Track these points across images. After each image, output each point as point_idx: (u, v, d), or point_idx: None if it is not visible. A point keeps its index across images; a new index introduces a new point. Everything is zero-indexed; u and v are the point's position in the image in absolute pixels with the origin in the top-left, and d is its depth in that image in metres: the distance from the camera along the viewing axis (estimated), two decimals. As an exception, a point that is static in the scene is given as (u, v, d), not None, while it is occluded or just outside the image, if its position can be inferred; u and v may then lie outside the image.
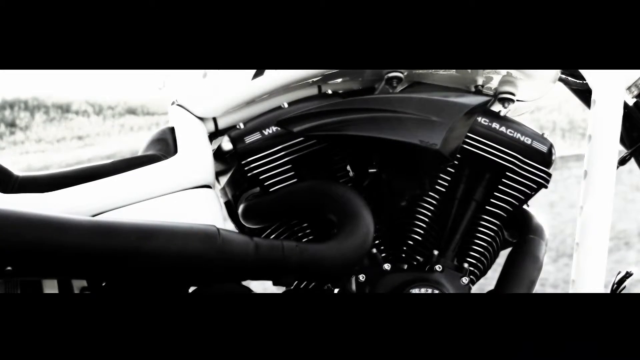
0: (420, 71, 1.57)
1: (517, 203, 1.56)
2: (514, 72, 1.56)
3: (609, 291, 1.55)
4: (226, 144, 1.54)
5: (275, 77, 1.54)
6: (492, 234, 1.57)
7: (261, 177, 1.52)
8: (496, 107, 1.60)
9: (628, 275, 1.54)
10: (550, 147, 1.56)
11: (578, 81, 1.66)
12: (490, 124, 1.54)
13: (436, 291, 1.47)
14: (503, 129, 1.54)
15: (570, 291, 1.55)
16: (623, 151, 1.64)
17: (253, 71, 1.54)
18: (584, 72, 1.62)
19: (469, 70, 1.57)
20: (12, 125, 14.28)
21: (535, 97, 1.65)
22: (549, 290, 1.53)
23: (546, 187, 1.56)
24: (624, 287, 1.53)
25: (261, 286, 1.53)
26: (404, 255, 1.53)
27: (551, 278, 1.46)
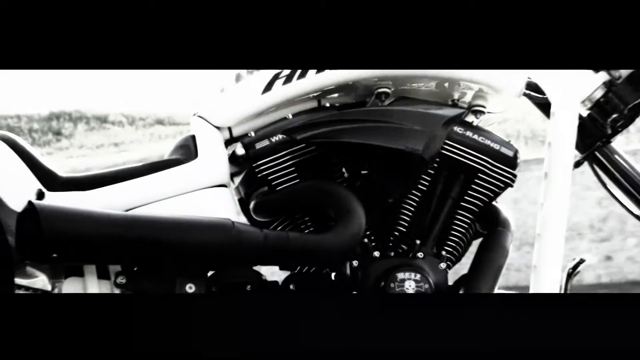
0: (405, 87, 1.57)
1: (487, 200, 1.56)
2: (484, 87, 1.56)
3: (565, 275, 1.54)
4: (239, 150, 1.54)
5: (280, 92, 1.53)
6: (466, 226, 1.56)
7: (269, 178, 1.52)
8: (469, 118, 1.59)
9: (581, 261, 1.53)
10: (516, 152, 1.56)
11: (539, 96, 1.65)
12: (464, 132, 1.53)
13: (418, 275, 1.47)
14: (475, 136, 1.54)
15: (532, 275, 1.55)
16: (578, 156, 1.63)
17: (263, 86, 1.53)
18: (544, 88, 1.61)
19: (446, 86, 1.57)
20: (58, 133, 14.28)
21: (502, 110, 1.64)
22: (513, 273, 1.52)
23: (512, 186, 1.56)
24: (578, 271, 1.52)
25: (269, 270, 1.52)
26: (390, 244, 1.53)
27: (515, 263, 1.46)
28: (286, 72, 1.53)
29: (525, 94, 1.62)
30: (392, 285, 1.46)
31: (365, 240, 1.50)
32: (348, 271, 1.50)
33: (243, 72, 1.61)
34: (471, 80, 1.55)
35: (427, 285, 1.47)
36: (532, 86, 1.63)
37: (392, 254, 1.52)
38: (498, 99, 1.60)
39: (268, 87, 1.53)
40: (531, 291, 1.53)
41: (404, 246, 1.53)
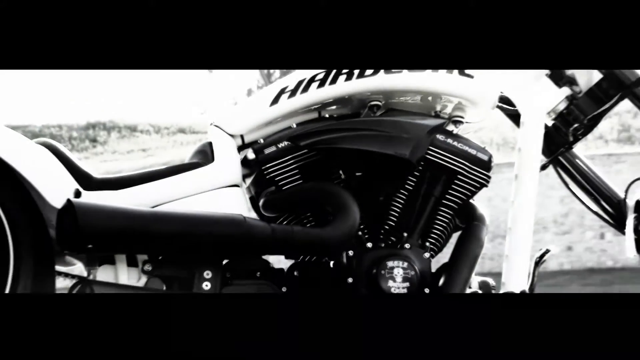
0: (394, 100, 1.56)
1: (465, 198, 1.55)
2: (463, 100, 1.55)
3: (533, 263, 1.53)
4: (250, 154, 1.53)
5: (286, 105, 1.53)
6: (447, 220, 1.55)
7: (276, 179, 1.51)
8: (450, 127, 1.58)
9: (547, 251, 1.53)
10: (490, 156, 1.55)
11: (510, 108, 1.64)
12: (445, 139, 1.53)
13: (406, 263, 1.46)
14: (455, 143, 1.53)
15: (504, 263, 1.54)
16: (544, 160, 1.62)
17: (271, 99, 1.53)
18: (515, 101, 1.61)
19: (430, 99, 1.56)
20: (94, 140, 14.29)
21: (478, 120, 1.64)
22: (487, 262, 1.52)
23: (486, 186, 1.55)
24: (544, 260, 1.52)
25: (276, 259, 1.51)
26: (381, 236, 1.52)
27: (489, 253, 1.46)
28: (291, 86, 1.52)
29: (498, 106, 1.62)
30: (382, 272, 1.46)
31: (360, 233, 1.49)
32: (344, 260, 1.49)
33: (254, 87, 1.61)
34: (451, 94, 1.54)
35: (413, 272, 1.46)
36: (504, 99, 1.63)
37: (383, 245, 1.51)
38: (475, 110, 1.59)
39: (275, 100, 1.53)
40: (503, 279, 1.52)
41: (393, 238, 1.52)
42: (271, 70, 18.77)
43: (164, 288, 1.42)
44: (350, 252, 1.49)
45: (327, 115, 1.59)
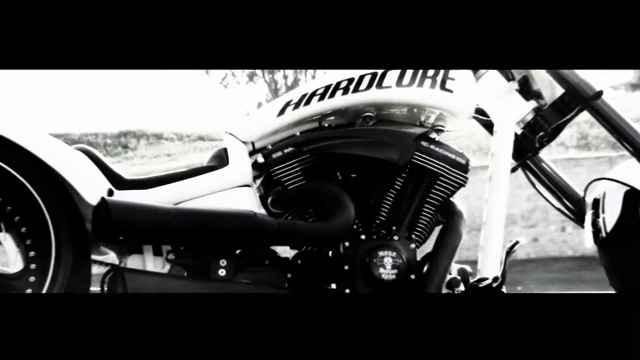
0: (384, 111, 1.56)
1: (445, 196, 1.54)
2: (444, 112, 1.55)
3: (504, 253, 1.52)
4: (260, 159, 1.53)
5: (291, 116, 1.52)
6: (430, 216, 1.55)
7: (282, 180, 1.50)
8: (433, 135, 1.58)
9: (517, 242, 1.52)
10: (467, 160, 1.54)
11: (484, 118, 1.64)
12: (429, 145, 1.52)
13: (394, 253, 1.46)
14: (437, 149, 1.52)
15: (479, 253, 1.53)
16: (513, 163, 1.62)
17: (277, 111, 1.52)
18: (489, 112, 1.61)
19: (415, 111, 1.56)
20: (125, 147, 14.31)
21: (456, 129, 1.63)
22: (464, 251, 1.51)
23: (464, 186, 1.55)
24: (515, 250, 1.51)
25: (282, 249, 1.51)
26: (373, 230, 1.51)
27: (466, 244, 1.45)
28: (295, 100, 1.52)
29: (474, 117, 1.62)
30: (374, 260, 1.45)
31: (355, 227, 1.49)
32: (342, 250, 1.49)
33: (263, 100, 1.61)
34: (434, 107, 1.54)
35: (400, 261, 1.46)
36: (479, 111, 1.62)
37: (375, 237, 1.50)
38: (454, 121, 1.58)
39: (281, 111, 1.52)
40: (478, 266, 1.52)
41: (383, 231, 1.51)
42: (278, 85, 18.79)
43: (185, 274, 1.42)
44: (347, 243, 1.49)
45: (326, 125, 1.59)
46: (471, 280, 1.49)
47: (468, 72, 1.55)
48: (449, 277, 1.49)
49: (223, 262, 1.42)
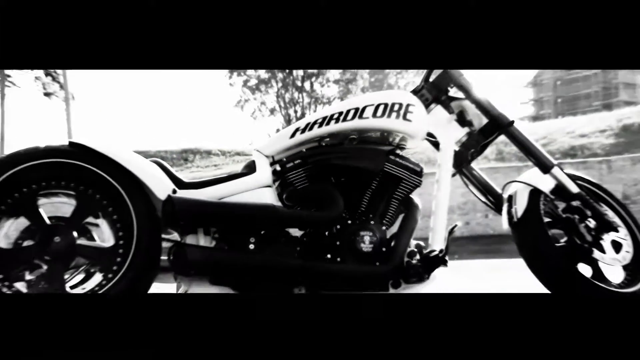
0: (364, 135, 1.54)
1: (406, 193, 1.54)
2: (405, 135, 1.54)
3: (447, 233, 1.51)
4: (277, 168, 1.52)
5: (299, 137, 1.51)
6: (396, 207, 1.54)
7: (293, 182, 1.50)
8: (398, 151, 1.57)
9: (455, 225, 1.52)
10: (421, 169, 1.54)
11: (433, 139, 1.64)
12: (395, 158, 1.51)
13: (371, 232, 1.45)
14: (401, 160, 1.52)
15: (430, 234, 1.51)
16: (453, 170, 1.62)
17: (290, 134, 1.51)
18: (436, 135, 1.60)
19: (385, 134, 1.55)
20: (185, 160, 14.31)
21: (414, 147, 1.63)
22: (419, 232, 1.50)
23: (419, 186, 1.54)
24: (454, 231, 1.50)
25: (293, 230, 1.49)
26: (356, 217, 1.50)
27: (420, 226, 1.44)
28: (302, 126, 1.51)
29: (426, 138, 1.61)
30: (357, 238, 1.44)
31: (343, 215, 1.47)
32: (334, 231, 1.47)
33: (280, 127, 1.60)
34: (398, 131, 1.53)
35: (375, 238, 1.45)
36: (429, 134, 1.62)
37: (357, 222, 1.49)
38: (412, 141, 1.57)
39: (292, 135, 1.51)
40: (429, 242, 1.49)
41: (363, 218, 1.50)
42: (291, 117, 18.74)
43: (226, 248, 1.40)
44: (338, 226, 1.47)
45: (324, 144, 1.57)
46: (424, 252, 1.48)
47: (422, 107, 1.55)
48: (408, 249, 1.48)
49: (252, 239, 1.41)
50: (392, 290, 1.45)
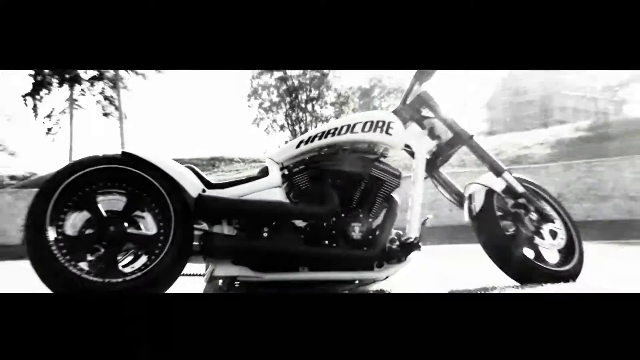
0: (355, 146, 1.51)
1: (388, 192, 1.52)
2: (387, 146, 1.52)
3: (420, 223, 1.50)
4: (286, 172, 1.50)
5: (303, 148, 1.49)
6: (380, 203, 1.52)
7: (299, 184, 1.48)
8: (381, 159, 1.55)
9: (427, 218, 1.51)
10: (400, 173, 1.53)
11: (409, 150, 1.63)
12: (379, 164, 1.50)
13: (360, 223, 1.43)
14: (383, 166, 1.51)
15: (407, 225, 1.49)
16: (425, 175, 1.61)
17: (296, 145, 1.49)
18: (412, 146, 1.58)
19: (371, 145, 1.52)
20: (212, 165, 14.26)
21: (393, 155, 1.62)
22: (398, 223, 1.48)
23: (399, 187, 1.53)
24: (426, 222, 1.50)
25: (298, 221, 1.47)
26: (348, 211, 1.48)
27: (399, 219, 1.43)
28: (305, 139, 1.49)
29: (404, 149, 1.60)
30: (349, 227, 1.43)
31: (338, 210, 1.45)
32: (331, 222, 1.45)
33: (288, 140, 1.58)
34: (382, 143, 1.51)
35: (364, 228, 1.44)
36: (407, 145, 1.61)
37: (350, 215, 1.47)
38: (392, 151, 1.56)
39: (297, 146, 1.49)
40: (406, 231, 1.48)
41: (354, 212, 1.49)
42: (297, 133, 18.85)
43: (245, 235, 1.38)
44: (334, 219, 1.46)
45: (322, 153, 1.55)
46: (402, 239, 1.47)
47: (400, 124, 1.53)
48: (390, 237, 1.47)
49: (265, 229, 1.40)
50: (375, 270, 1.43)
